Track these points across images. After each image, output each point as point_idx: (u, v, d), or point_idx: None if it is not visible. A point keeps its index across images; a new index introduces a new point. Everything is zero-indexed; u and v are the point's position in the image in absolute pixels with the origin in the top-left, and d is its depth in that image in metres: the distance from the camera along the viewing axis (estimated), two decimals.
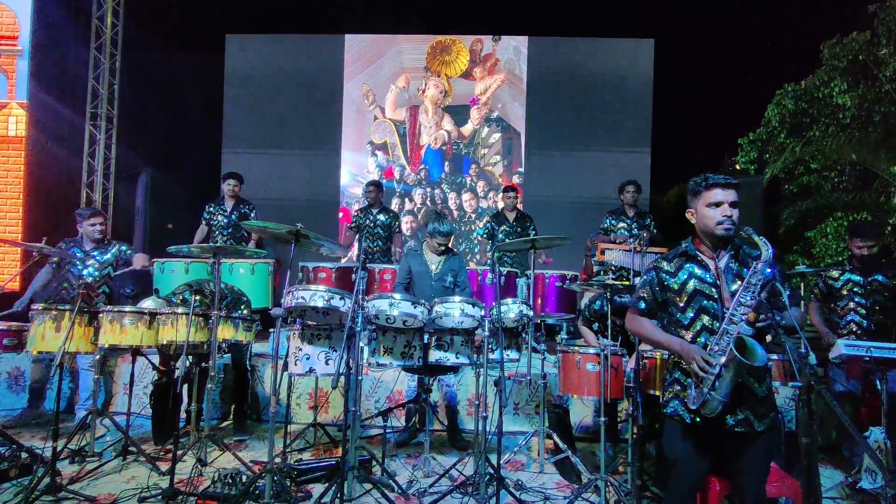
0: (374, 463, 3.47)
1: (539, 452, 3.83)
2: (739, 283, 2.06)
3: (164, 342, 3.30)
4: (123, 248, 4.58)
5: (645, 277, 2.32)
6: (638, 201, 5.90)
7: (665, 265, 2.26)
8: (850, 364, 3.36)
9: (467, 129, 8.24)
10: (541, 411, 3.75)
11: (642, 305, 2.30)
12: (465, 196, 8.19)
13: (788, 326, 2.11)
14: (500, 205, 6.31)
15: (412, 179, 8.22)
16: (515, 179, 8.14)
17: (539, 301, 5.26)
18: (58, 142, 8.05)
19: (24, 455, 3.37)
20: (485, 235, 6.23)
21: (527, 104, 8.19)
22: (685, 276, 2.20)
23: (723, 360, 1.98)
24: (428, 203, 8.21)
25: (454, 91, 8.28)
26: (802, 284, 3.59)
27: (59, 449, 3.14)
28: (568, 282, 5.25)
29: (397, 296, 2.96)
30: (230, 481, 3.07)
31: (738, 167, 6.99)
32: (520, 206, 7.45)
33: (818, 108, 6.12)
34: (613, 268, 5.62)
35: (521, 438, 3.99)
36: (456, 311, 3.02)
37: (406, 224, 7.94)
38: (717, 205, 2.11)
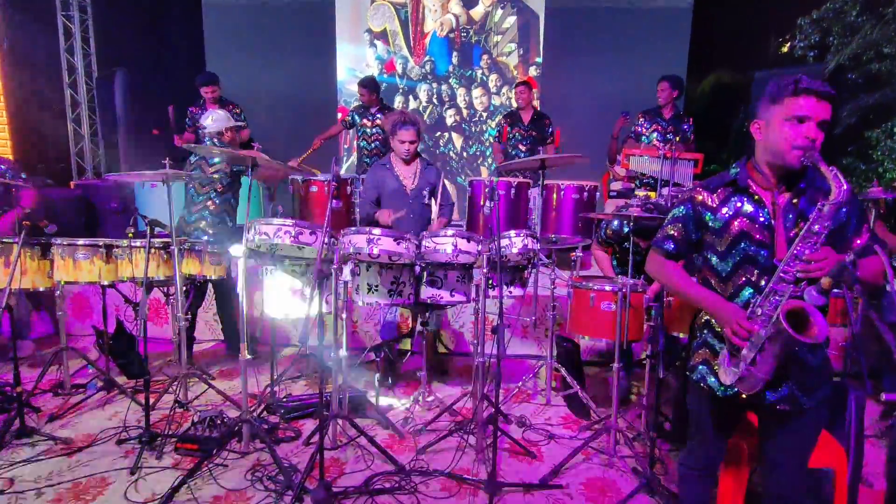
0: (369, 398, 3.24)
1: (547, 381, 3.59)
2: (803, 226, 1.54)
3: (124, 278, 2.96)
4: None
5: (676, 211, 1.78)
6: (676, 102, 5.16)
7: (704, 196, 1.72)
8: None
9: (478, 11, 7.14)
10: (549, 342, 3.43)
11: (670, 247, 1.79)
12: (476, 92, 7.30)
13: (867, 284, 1.61)
14: (515, 103, 5.57)
15: (416, 73, 7.31)
16: (532, 72, 7.19)
17: (553, 215, 4.73)
18: (29, 36, 7.30)
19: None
20: (497, 139, 5.57)
21: None
22: (730, 214, 1.66)
23: (767, 330, 1.52)
24: (434, 100, 7.39)
25: None
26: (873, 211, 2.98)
27: (31, 388, 2.97)
28: (586, 193, 4.67)
29: (376, 230, 2.48)
30: (211, 423, 2.89)
31: (794, 54, 5.97)
32: (536, 104, 6.68)
33: None
34: (641, 177, 5.04)
35: (527, 370, 3.73)
36: (448, 246, 2.54)
37: None
38: (802, 120, 1.52)
